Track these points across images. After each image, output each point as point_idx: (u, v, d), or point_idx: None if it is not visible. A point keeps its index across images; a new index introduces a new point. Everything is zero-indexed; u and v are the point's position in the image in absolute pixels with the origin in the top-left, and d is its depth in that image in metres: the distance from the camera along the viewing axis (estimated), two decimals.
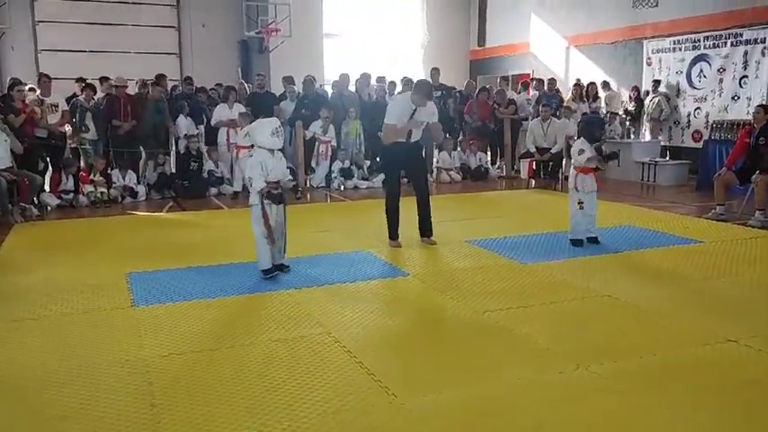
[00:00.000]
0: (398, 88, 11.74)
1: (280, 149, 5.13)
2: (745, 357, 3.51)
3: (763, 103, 9.35)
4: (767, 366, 3.39)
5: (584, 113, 8.89)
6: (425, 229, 6.25)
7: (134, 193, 9.33)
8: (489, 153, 12.33)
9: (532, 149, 10.46)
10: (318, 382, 3.22)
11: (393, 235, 6.21)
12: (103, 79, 10.45)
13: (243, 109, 10.29)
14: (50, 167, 9.04)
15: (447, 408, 2.96)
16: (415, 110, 5.91)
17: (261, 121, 5.23)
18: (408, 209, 6.28)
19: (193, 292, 4.75)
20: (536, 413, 2.90)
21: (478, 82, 15.70)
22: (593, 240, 6.12)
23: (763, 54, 10.29)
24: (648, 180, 10.78)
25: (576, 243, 6.05)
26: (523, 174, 10.91)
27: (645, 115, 11.99)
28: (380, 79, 11.86)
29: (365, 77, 11.66)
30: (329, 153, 10.65)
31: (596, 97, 12.45)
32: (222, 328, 4.03)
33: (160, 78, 10.68)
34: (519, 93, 12.87)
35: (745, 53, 10.57)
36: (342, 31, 16.36)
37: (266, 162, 4.96)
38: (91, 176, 9.00)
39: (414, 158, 6.22)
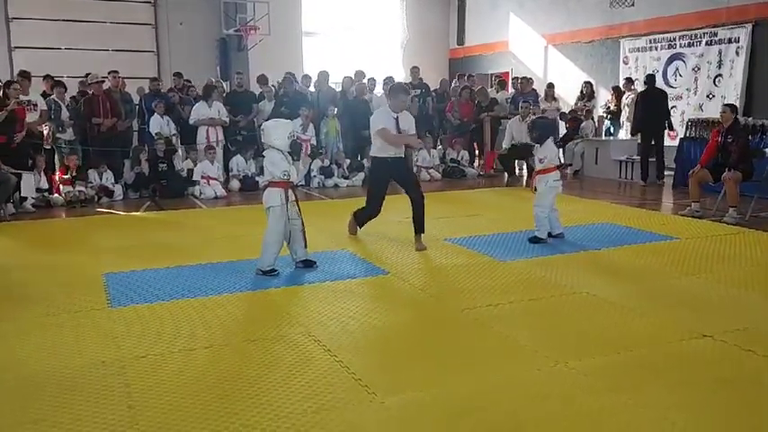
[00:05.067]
0: (378, 88, 11.74)
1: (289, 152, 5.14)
2: (719, 353, 3.56)
3: (738, 101, 9.51)
4: (742, 362, 3.44)
5: (538, 117, 8.66)
6: (418, 228, 6.11)
7: (110, 193, 9.23)
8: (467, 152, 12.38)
9: (507, 146, 10.53)
10: (298, 382, 3.21)
11: (360, 224, 6.44)
12: (87, 76, 10.24)
13: (223, 108, 10.24)
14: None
15: (427, 406, 2.97)
16: (397, 118, 5.95)
17: (279, 121, 5.28)
18: (387, 207, 6.29)
19: (171, 293, 4.71)
20: (515, 411, 2.91)
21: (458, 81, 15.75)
22: (559, 236, 6.24)
23: (737, 53, 10.46)
24: (625, 178, 10.90)
25: (537, 240, 6.12)
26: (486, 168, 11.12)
27: (623, 114, 12.11)
28: (359, 74, 11.75)
29: (359, 74, 11.62)
30: (308, 151, 10.61)
31: (591, 96, 12.56)
32: (200, 328, 4.00)
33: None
34: (497, 92, 12.93)
35: (720, 52, 10.73)
36: (321, 29, 16.31)
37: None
38: (67, 175, 8.89)
39: (403, 169, 6.24)
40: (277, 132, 5.03)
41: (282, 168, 5.02)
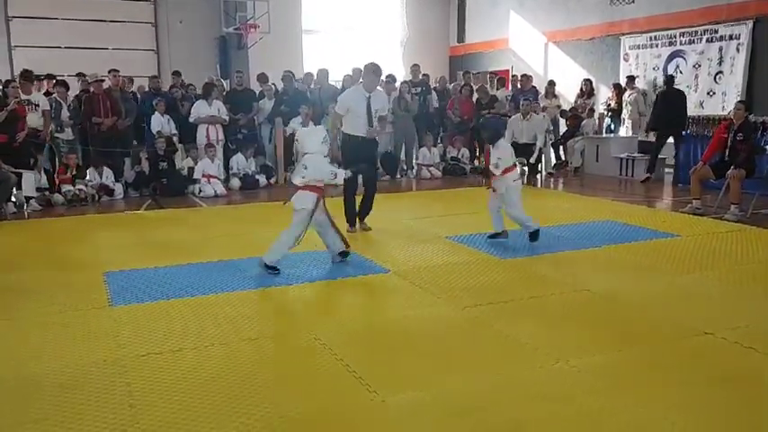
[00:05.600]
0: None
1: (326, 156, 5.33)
2: (720, 350, 3.56)
3: (738, 98, 9.50)
4: (742, 359, 3.44)
5: (488, 117, 8.32)
6: (364, 214, 6.63)
7: (110, 192, 9.22)
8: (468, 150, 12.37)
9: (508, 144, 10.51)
10: (300, 380, 3.21)
11: (351, 221, 6.57)
12: (80, 75, 10.30)
13: (223, 106, 10.24)
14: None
15: (428, 405, 2.97)
16: (369, 98, 6.14)
17: (312, 128, 5.51)
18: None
19: (172, 291, 4.71)
20: (516, 411, 2.91)
21: (458, 78, 15.74)
22: (535, 236, 6.01)
23: (738, 50, 10.44)
24: (626, 175, 10.89)
25: (535, 234, 5.98)
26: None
27: (624, 111, 12.10)
28: (357, 72, 11.68)
29: (357, 72, 11.56)
30: None
31: (591, 94, 12.54)
32: (202, 326, 3.99)
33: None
34: (497, 90, 12.91)
35: (720, 49, 10.72)
36: (321, 27, 16.29)
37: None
38: (67, 174, 8.89)
39: (371, 153, 6.41)
40: (311, 139, 5.16)
41: (329, 170, 5.17)
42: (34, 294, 4.68)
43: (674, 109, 10.19)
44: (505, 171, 5.88)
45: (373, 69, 6.36)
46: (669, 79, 10.62)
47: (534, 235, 6.00)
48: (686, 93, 10.75)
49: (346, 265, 5.41)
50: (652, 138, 11.27)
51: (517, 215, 5.98)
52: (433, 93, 12.12)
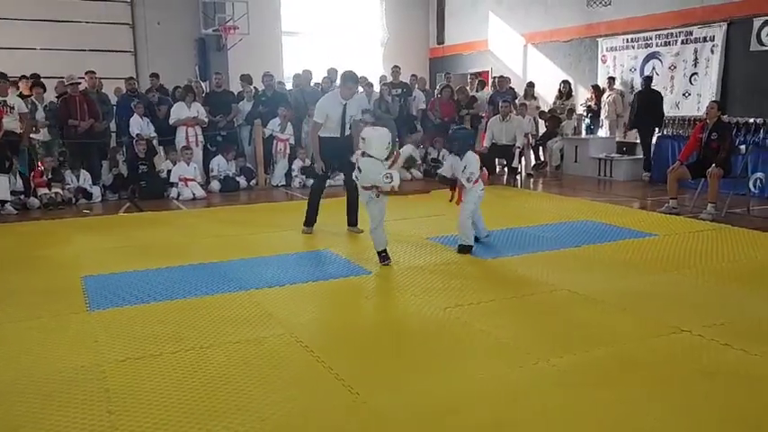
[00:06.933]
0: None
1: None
2: (698, 347, 3.61)
3: (713, 99, 9.64)
4: (719, 356, 3.49)
5: (456, 128, 8.17)
6: (353, 220, 6.68)
7: (88, 195, 9.11)
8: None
9: (488, 145, 10.57)
10: (281, 383, 3.20)
11: (310, 222, 6.65)
12: (60, 81, 10.08)
13: (202, 108, 10.17)
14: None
15: (409, 405, 2.97)
16: (345, 105, 6.18)
17: (381, 131, 5.30)
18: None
19: (151, 295, 4.66)
20: (498, 410, 2.93)
21: (437, 80, 15.79)
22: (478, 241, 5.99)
23: (713, 52, 10.59)
24: (605, 175, 11.00)
25: (465, 249, 5.76)
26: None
27: (602, 112, 12.22)
28: (331, 72, 11.67)
29: (332, 73, 11.57)
30: (287, 151, 10.60)
31: (569, 95, 12.64)
32: (181, 330, 3.96)
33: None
34: (478, 91, 12.98)
35: (695, 51, 10.86)
36: (301, 28, 16.25)
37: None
38: (43, 178, 8.77)
39: (347, 151, 6.32)
40: (379, 142, 5.14)
41: (384, 173, 5.05)
42: (10, 300, 4.61)
43: (652, 108, 10.49)
44: (475, 182, 5.74)
45: (350, 77, 6.36)
46: (647, 80, 10.86)
47: (463, 249, 5.76)
48: (662, 94, 10.92)
49: (328, 266, 5.40)
50: (631, 138, 11.45)
51: (463, 221, 5.74)
52: (421, 94, 12.16)
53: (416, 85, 12.42)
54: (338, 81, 10.99)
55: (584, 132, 12.30)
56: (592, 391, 3.07)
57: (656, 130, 10.76)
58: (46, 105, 9.61)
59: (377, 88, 11.78)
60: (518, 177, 10.98)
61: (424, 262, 5.55)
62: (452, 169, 5.83)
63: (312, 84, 11.45)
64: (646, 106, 10.52)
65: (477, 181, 5.74)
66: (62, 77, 10.18)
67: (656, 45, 11.54)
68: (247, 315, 4.23)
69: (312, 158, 6.62)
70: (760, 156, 8.64)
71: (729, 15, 10.31)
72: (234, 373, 3.32)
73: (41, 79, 10.27)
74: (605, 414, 2.87)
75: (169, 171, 9.79)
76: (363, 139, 5.22)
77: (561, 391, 3.08)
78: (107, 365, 3.44)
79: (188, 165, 9.70)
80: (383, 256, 5.44)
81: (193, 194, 9.39)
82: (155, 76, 11.31)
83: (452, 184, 5.86)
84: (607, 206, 8.16)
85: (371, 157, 5.13)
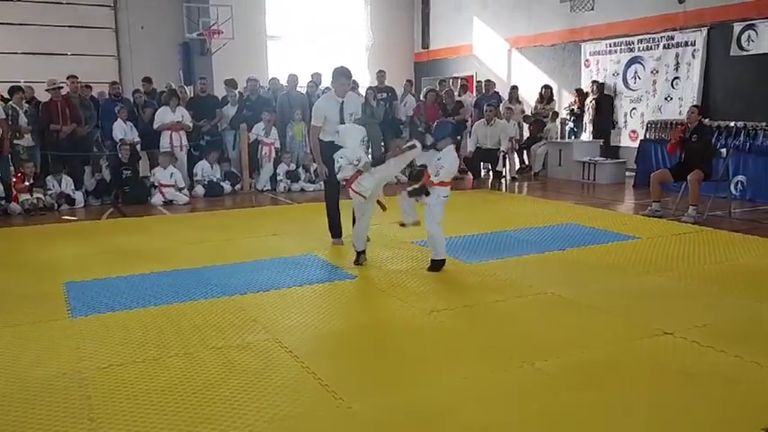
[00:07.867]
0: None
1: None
2: (680, 350, 3.63)
3: (695, 103, 9.75)
4: (701, 358, 3.52)
5: (440, 120, 7.94)
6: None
7: (71, 200, 9.02)
8: None
9: (472, 149, 10.60)
10: (265, 389, 3.18)
11: (335, 233, 6.43)
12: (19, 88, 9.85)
13: (186, 113, 10.12)
14: None
15: (394, 410, 2.97)
16: (342, 103, 6.05)
17: (354, 126, 5.72)
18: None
19: (134, 301, 4.62)
20: (482, 413, 2.93)
21: (422, 84, 15.84)
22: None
23: (694, 56, 10.72)
24: (588, 179, 11.08)
25: (438, 265, 5.36)
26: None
27: (586, 116, 12.32)
28: (315, 76, 11.61)
29: (316, 77, 11.56)
30: (272, 155, 10.56)
31: (551, 99, 12.73)
32: (164, 336, 3.93)
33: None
34: (460, 96, 13.02)
35: (677, 55, 10.99)
36: (286, 33, 16.23)
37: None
38: (24, 183, 8.67)
39: None
40: (351, 136, 5.45)
41: (359, 155, 5.38)
42: None
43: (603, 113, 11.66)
44: (442, 183, 5.29)
45: (341, 72, 6.14)
46: (598, 85, 11.90)
47: (435, 265, 5.34)
48: (645, 98, 11.14)
49: (313, 270, 5.39)
50: (614, 142, 11.59)
51: (435, 233, 5.30)
52: (413, 99, 12.19)
53: (410, 91, 12.45)
54: (323, 85, 11.08)
55: (567, 136, 12.39)
56: (576, 394, 3.09)
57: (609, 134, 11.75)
58: (26, 110, 9.49)
59: (362, 92, 11.77)
60: (502, 181, 11.03)
61: (409, 266, 5.55)
62: (426, 160, 5.37)
63: (297, 88, 11.42)
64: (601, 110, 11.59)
65: (444, 184, 5.29)
66: (44, 82, 10.07)
67: (639, 49, 11.66)
68: (231, 320, 4.20)
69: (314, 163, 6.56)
70: (741, 159, 8.75)
71: (710, 20, 10.44)
72: (217, 379, 3.30)
73: (21, 84, 10.15)
74: (589, 416, 2.88)
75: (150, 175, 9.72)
76: (338, 132, 5.53)
77: (545, 394, 3.09)
78: (89, 372, 3.40)
79: (166, 170, 9.60)
80: (359, 257, 5.60)
81: (169, 200, 9.30)
82: (147, 80, 11.21)
83: (420, 177, 5.45)
84: (591, 209, 8.22)
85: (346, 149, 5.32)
